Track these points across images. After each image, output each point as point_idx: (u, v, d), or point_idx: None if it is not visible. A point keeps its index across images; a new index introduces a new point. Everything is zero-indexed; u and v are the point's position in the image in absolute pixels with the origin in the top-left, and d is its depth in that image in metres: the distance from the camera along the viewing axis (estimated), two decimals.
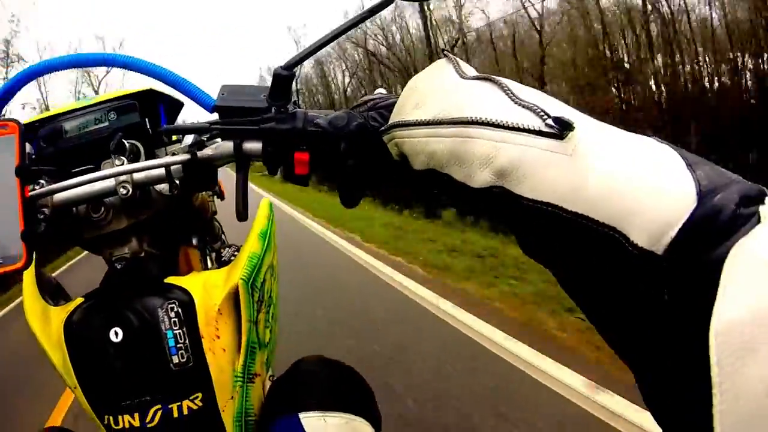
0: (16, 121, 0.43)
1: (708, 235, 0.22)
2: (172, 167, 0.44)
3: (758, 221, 0.22)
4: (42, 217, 0.43)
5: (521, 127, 0.28)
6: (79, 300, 0.49)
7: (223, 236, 0.73)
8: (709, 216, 0.22)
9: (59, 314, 0.48)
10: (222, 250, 0.68)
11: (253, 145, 0.43)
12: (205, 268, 0.78)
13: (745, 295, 0.20)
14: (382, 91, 0.46)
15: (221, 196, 0.60)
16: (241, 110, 0.43)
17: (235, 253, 0.65)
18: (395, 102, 0.39)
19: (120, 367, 0.45)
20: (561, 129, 0.26)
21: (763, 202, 0.23)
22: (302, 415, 0.47)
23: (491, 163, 0.28)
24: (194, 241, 0.72)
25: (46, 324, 0.49)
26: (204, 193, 0.70)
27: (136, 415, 0.45)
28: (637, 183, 0.24)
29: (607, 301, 0.26)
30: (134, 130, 0.48)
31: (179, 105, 0.55)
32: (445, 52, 0.38)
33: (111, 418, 0.46)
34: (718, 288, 0.21)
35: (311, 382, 0.51)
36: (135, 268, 0.49)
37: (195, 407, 0.46)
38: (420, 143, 0.33)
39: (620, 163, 0.25)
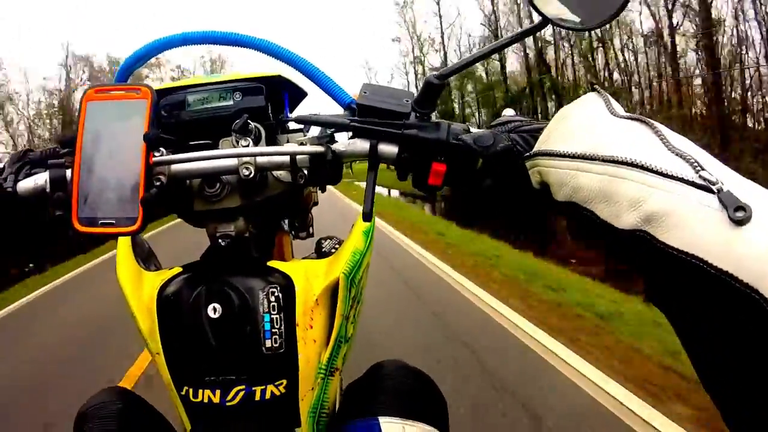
0: (149, 86, 0.44)
1: None
2: (298, 157, 0.44)
3: None
4: (158, 184, 0.43)
5: (675, 175, 0.28)
6: (177, 269, 0.49)
7: (311, 228, 0.74)
8: None
9: (153, 280, 0.49)
10: (323, 241, 0.68)
11: (389, 148, 0.43)
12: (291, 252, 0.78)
13: None
14: (511, 111, 0.46)
15: (324, 189, 0.60)
16: (382, 112, 0.43)
17: (336, 245, 0.65)
18: (541, 128, 0.39)
19: (212, 343, 0.45)
20: (714, 183, 0.26)
21: None
22: (382, 420, 0.47)
23: (640, 206, 0.28)
24: (285, 226, 0.72)
25: (138, 287, 0.49)
26: None
27: (218, 391, 0.45)
28: None
29: (731, 364, 0.25)
30: (257, 113, 0.48)
31: (303, 94, 0.55)
32: (596, 87, 0.38)
33: (191, 390, 0.46)
34: None
35: (393, 388, 0.51)
36: (239, 248, 0.50)
37: (277, 393, 0.46)
38: (567, 175, 0.33)
39: None
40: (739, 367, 0.25)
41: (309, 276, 0.48)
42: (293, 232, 0.74)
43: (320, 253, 0.64)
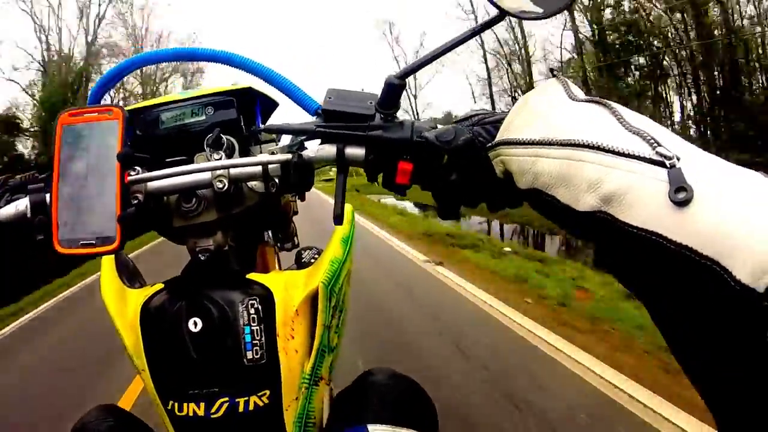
0: (120, 107, 0.45)
1: None
2: (270, 166, 0.45)
3: None
4: (135, 202, 0.44)
5: (631, 153, 0.28)
6: (159, 286, 0.50)
7: (295, 237, 0.74)
8: None
9: (137, 297, 0.50)
10: (302, 252, 0.68)
11: (356, 151, 0.43)
12: (278, 263, 0.79)
13: None
14: (484, 107, 0.46)
15: (302, 197, 0.61)
16: (347, 115, 0.44)
17: (316, 255, 0.65)
18: (502, 118, 0.39)
19: (194, 357, 0.45)
20: (669, 158, 0.27)
21: None
22: (371, 428, 0.47)
23: (598, 187, 0.28)
24: (268, 238, 0.73)
25: (122, 304, 0.50)
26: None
27: (202, 404, 0.46)
28: (744, 218, 0.23)
29: (700, 337, 0.25)
30: (229, 126, 0.49)
31: (274, 105, 0.56)
32: (555, 73, 0.39)
33: (176, 404, 0.46)
34: None
35: (381, 395, 0.51)
36: (218, 261, 0.50)
37: (261, 404, 0.46)
38: (527, 162, 0.33)
39: (727, 197, 0.25)
40: (708, 340, 0.25)
41: (288, 287, 0.48)
42: (278, 245, 0.74)
43: (300, 264, 0.64)
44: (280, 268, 0.74)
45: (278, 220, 0.69)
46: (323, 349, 0.48)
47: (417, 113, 26.46)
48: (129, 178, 0.44)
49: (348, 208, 0.53)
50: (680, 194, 0.25)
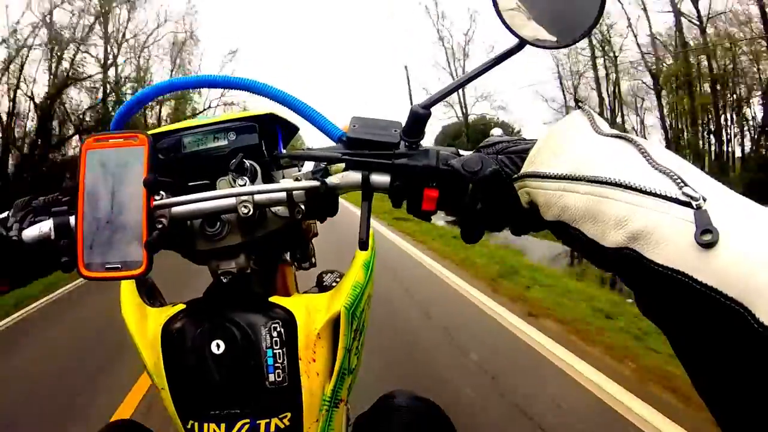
0: (146, 133, 0.45)
1: None
2: (295, 192, 0.45)
3: None
4: (160, 227, 0.45)
5: (657, 193, 0.28)
6: (181, 306, 0.51)
7: (313, 258, 0.75)
8: None
9: (158, 316, 0.50)
10: (324, 275, 0.69)
11: (381, 178, 0.44)
12: (295, 284, 0.80)
13: None
14: (499, 131, 0.46)
15: (323, 220, 0.61)
16: (373, 143, 0.44)
17: (337, 279, 0.66)
18: (528, 149, 0.40)
19: (216, 378, 0.46)
20: (696, 199, 0.27)
21: None
22: None
23: (625, 225, 0.29)
24: (287, 258, 0.73)
25: (142, 322, 0.51)
26: None
27: (223, 425, 0.46)
28: None
29: (722, 374, 0.26)
30: (252, 151, 0.50)
31: (295, 129, 0.57)
32: (580, 105, 0.40)
33: (196, 424, 0.47)
34: None
35: (402, 419, 0.52)
36: (241, 284, 0.51)
37: (282, 426, 0.47)
38: (554, 196, 0.34)
39: (753, 240, 0.25)
40: (732, 379, 0.25)
41: (310, 310, 0.48)
42: (296, 264, 0.75)
43: (321, 287, 0.65)
44: (297, 288, 0.75)
45: (298, 241, 0.70)
46: (343, 371, 0.49)
47: (465, 106, 24.69)
48: (154, 203, 0.44)
49: (370, 233, 0.54)
50: (706, 236, 0.25)
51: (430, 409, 0.54)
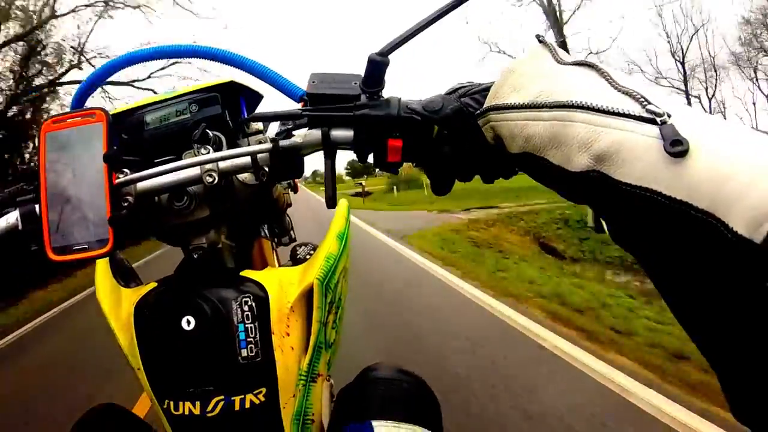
0: (102, 109, 0.44)
1: None
2: (258, 156, 0.44)
3: None
4: (126, 204, 0.43)
5: (622, 112, 0.28)
6: (153, 284, 0.50)
7: (292, 231, 0.73)
8: None
9: (131, 296, 0.50)
10: (297, 248, 0.68)
11: (343, 133, 0.43)
12: (276, 257, 0.78)
13: None
14: (471, 81, 0.44)
15: (295, 189, 0.60)
16: (333, 97, 0.43)
17: (311, 251, 0.65)
18: (490, 87, 0.39)
19: (188, 355, 0.45)
20: (660, 115, 0.27)
21: None
22: (375, 423, 0.46)
23: (591, 147, 0.28)
24: (265, 232, 0.72)
25: (117, 304, 0.50)
26: (280, 185, 0.71)
27: (198, 403, 0.45)
28: (738, 168, 0.23)
29: (700, 293, 0.25)
30: (215, 121, 0.48)
31: (259, 97, 0.55)
32: (541, 39, 0.38)
33: (171, 403, 0.46)
34: None
35: (385, 391, 0.50)
36: (212, 259, 0.49)
37: (257, 402, 0.45)
38: (517, 126, 0.33)
39: (720, 149, 0.24)
40: (708, 294, 0.24)
41: (283, 284, 0.47)
42: (275, 239, 0.74)
43: (295, 260, 0.64)
44: (278, 263, 0.74)
45: (272, 213, 0.69)
46: (320, 345, 0.47)
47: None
48: (117, 180, 0.43)
49: (343, 203, 0.52)
50: (676, 147, 0.25)
51: (414, 382, 0.52)
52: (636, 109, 0.28)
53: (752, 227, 0.22)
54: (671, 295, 0.27)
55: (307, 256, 0.63)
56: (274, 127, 0.49)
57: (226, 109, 0.49)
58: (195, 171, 0.44)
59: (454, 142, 0.40)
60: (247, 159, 0.44)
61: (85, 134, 0.44)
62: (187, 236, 0.49)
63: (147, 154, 0.48)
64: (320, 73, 0.45)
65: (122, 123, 0.50)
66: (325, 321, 0.47)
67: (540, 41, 0.38)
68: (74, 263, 0.44)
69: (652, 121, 0.27)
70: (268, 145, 0.43)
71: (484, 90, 0.40)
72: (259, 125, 0.54)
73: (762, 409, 0.23)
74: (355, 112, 0.42)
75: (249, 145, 0.50)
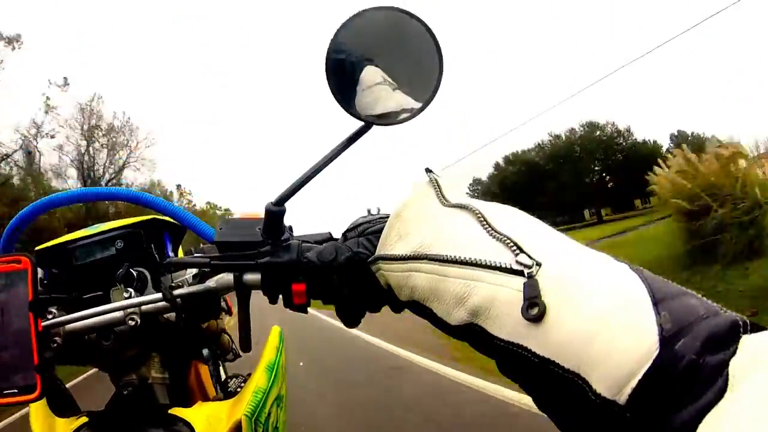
0: (28, 255, 0.45)
1: (669, 389, 0.21)
2: (178, 298, 0.45)
3: (725, 382, 0.20)
4: (54, 346, 0.44)
5: (492, 264, 0.28)
6: (84, 419, 0.50)
7: (233, 346, 0.75)
8: (668, 367, 0.21)
9: (63, 428, 0.49)
10: (229, 380, 0.69)
11: (253, 277, 0.44)
12: (218, 380, 0.79)
13: None
14: (371, 210, 0.46)
15: (229, 312, 0.62)
16: (239, 245, 0.44)
17: (242, 384, 0.65)
18: (383, 228, 0.39)
19: None
20: (529, 266, 0.27)
21: (736, 340, 0.22)
22: None
23: (466, 302, 0.28)
24: (205, 354, 0.73)
25: None
26: None
27: None
28: (601, 329, 0.23)
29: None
30: (140, 257, 0.50)
31: (183, 231, 0.57)
32: (429, 172, 0.39)
33: None
34: None
35: None
36: (141, 396, 0.50)
37: None
38: (402, 277, 0.34)
39: (587, 307, 0.24)
40: None
41: (211, 420, 0.47)
42: (220, 360, 0.75)
43: (226, 393, 0.65)
44: (216, 385, 0.74)
45: (205, 340, 0.70)
46: None
47: None
48: (43, 323, 0.45)
49: (275, 331, 0.53)
50: (532, 310, 0.25)
51: None
52: (507, 259, 0.28)
53: (615, 389, 0.22)
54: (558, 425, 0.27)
55: (238, 389, 0.64)
56: None
57: (152, 243, 0.51)
58: (119, 313, 0.45)
59: (353, 286, 0.41)
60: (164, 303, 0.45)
61: (11, 280, 0.45)
62: (118, 371, 0.50)
63: (76, 289, 0.49)
64: (229, 219, 0.46)
65: (53, 257, 0.51)
66: None
67: (428, 174, 0.38)
68: (3, 406, 0.45)
69: (521, 273, 0.27)
70: (184, 290, 0.45)
71: (379, 231, 0.40)
72: None
73: None
74: (257, 260, 0.43)
75: (172, 282, 0.52)
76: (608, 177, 42.21)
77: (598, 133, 43.28)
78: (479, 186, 51.21)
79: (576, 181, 40.70)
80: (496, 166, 49.04)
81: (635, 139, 42.78)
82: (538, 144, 46.07)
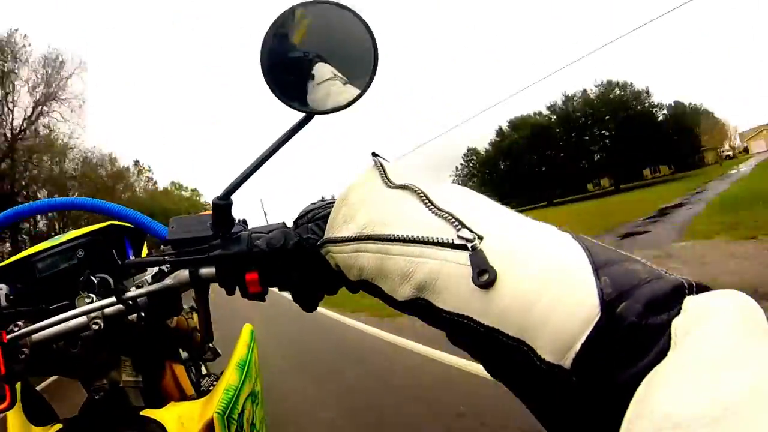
0: None
1: (612, 352, 0.22)
2: (139, 299, 0.46)
3: (668, 342, 0.21)
4: (23, 357, 0.45)
5: (434, 240, 0.29)
6: (58, 426, 0.50)
7: (210, 346, 0.75)
8: (610, 330, 0.22)
9: None
10: (201, 380, 0.69)
11: (208, 270, 0.45)
12: (198, 379, 0.79)
13: None
14: (324, 197, 0.47)
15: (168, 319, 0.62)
16: (191, 241, 0.45)
17: (214, 383, 0.66)
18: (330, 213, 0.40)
19: None
20: (471, 240, 0.27)
21: (679, 301, 0.22)
22: None
23: (410, 278, 0.30)
24: (181, 354, 0.73)
25: None
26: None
27: None
28: (542, 295, 0.24)
29: (531, 404, 0.26)
30: (103, 263, 0.50)
31: (143, 234, 0.58)
32: (375, 155, 0.40)
33: None
34: (624, 415, 0.20)
35: None
36: (113, 400, 0.50)
37: None
38: (351, 258, 0.35)
39: (527, 275, 0.25)
40: (539, 411, 0.26)
41: (184, 420, 0.48)
42: (200, 360, 0.75)
43: (200, 393, 0.65)
44: (194, 384, 0.74)
45: (178, 340, 0.70)
46: None
47: None
48: (8, 336, 0.45)
49: (246, 329, 0.54)
50: (483, 277, 0.25)
51: None
52: (449, 234, 0.29)
53: (559, 354, 0.22)
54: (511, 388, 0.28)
55: (210, 388, 0.64)
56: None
57: (113, 249, 0.52)
58: (83, 319, 0.45)
59: (304, 270, 0.42)
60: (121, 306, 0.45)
61: None
62: (88, 377, 0.51)
63: (42, 301, 0.50)
64: (179, 217, 0.47)
65: (15, 272, 0.51)
66: None
67: (373, 157, 0.39)
68: None
69: (464, 247, 0.27)
70: (143, 290, 0.45)
71: (327, 216, 0.40)
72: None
73: None
74: (209, 254, 0.44)
75: (134, 284, 0.52)
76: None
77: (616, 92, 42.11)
78: (474, 156, 48.86)
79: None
80: (499, 131, 46.48)
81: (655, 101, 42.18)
82: (550, 105, 44.23)
